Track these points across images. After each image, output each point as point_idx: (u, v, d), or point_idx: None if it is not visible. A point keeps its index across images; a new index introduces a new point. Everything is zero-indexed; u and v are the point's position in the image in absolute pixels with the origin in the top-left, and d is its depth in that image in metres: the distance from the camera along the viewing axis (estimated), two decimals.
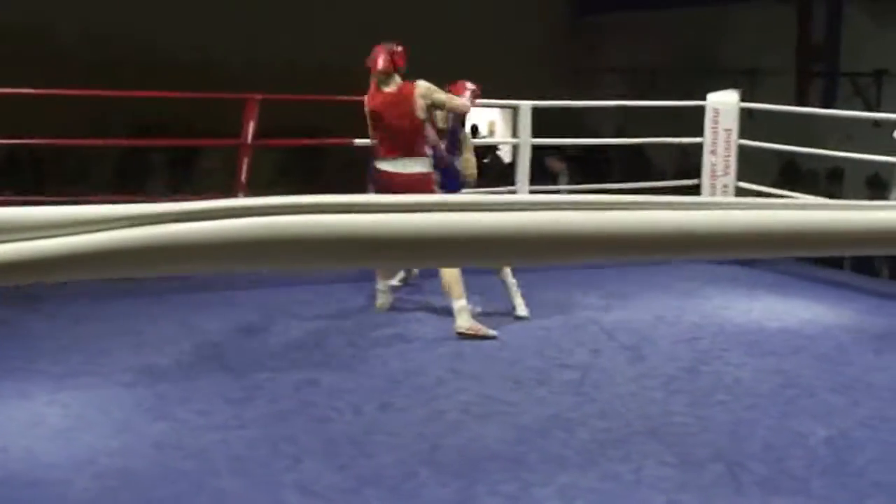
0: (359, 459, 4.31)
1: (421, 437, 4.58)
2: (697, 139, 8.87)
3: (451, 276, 6.04)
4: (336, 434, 4.59)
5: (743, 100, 8.92)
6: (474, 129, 17.77)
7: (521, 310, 6.54)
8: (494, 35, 15.53)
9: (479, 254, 1.02)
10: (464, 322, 6.01)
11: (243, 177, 7.57)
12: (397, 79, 6.25)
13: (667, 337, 6.33)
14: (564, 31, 17.77)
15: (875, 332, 6.61)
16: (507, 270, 6.50)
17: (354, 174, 9.36)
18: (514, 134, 8.81)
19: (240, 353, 5.68)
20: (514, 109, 8.74)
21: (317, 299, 6.78)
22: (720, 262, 8.14)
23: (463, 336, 5.97)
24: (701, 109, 8.80)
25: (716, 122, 8.67)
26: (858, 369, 5.82)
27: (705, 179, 8.75)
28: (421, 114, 6.19)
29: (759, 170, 9.70)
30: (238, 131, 7.72)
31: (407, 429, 4.67)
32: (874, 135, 11.62)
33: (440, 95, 6.22)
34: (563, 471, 4.27)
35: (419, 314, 6.48)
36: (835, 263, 9.68)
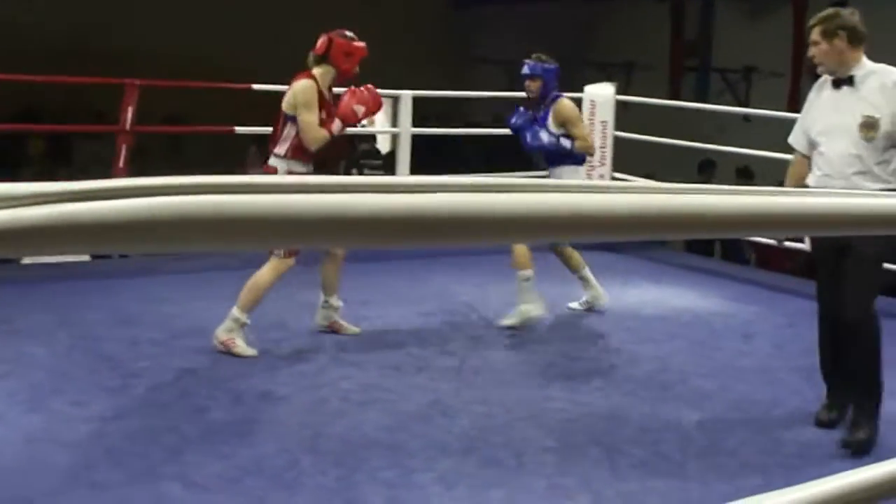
0: (239, 449, 4.28)
1: (302, 425, 4.57)
2: None
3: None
4: (216, 423, 4.55)
5: (618, 93, 9.06)
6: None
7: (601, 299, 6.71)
8: (375, 26, 15.50)
9: (376, 236, 1.03)
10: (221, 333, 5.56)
11: (121, 163, 7.44)
12: (311, 63, 5.66)
13: (544, 323, 6.41)
14: (446, 23, 17.85)
15: (744, 317, 6.79)
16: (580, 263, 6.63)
17: (224, 163, 9.34)
18: (395, 123, 8.83)
19: (116, 341, 5.58)
20: (395, 99, 8.76)
21: (196, 287, 6.71)
22: (595, 250, 8.26)
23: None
24: (578, 101, 8.92)
25: (592, 113, 8.78)
26: (728, 354, 5.98)
27: (582, 169, 8.86)
28: (286, 107, 5.62)
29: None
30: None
31: (288, 417, 4.66)
32: (744, 128, 11.92)
33: (301, 111, 5.53)
34: (444, 457, 4.30)
35: (299, 303, 6.45)
36: (705, 252, 9.91)
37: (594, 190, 1.16)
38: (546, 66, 6.46)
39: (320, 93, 5.61)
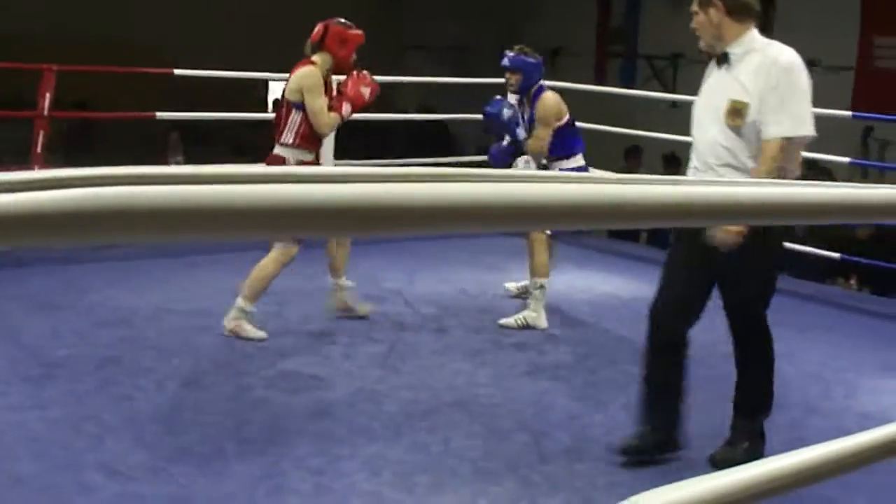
0: (164, 437, 4.23)
1: (227, 413, 4.53)
2: None
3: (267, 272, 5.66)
4: (140, 412, 4.49)
5: (545, 78, 9.06)
6: (276, 103, 17.60)
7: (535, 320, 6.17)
8: (300, 9, 15.38)
9: (308, 225, 1.01)
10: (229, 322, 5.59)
11: (39, 149, 7.32)
12: (309, 52, 5.66)
13: (471, 309, 6.42)
14: (373, 8, 17.76)
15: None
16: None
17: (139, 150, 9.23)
18: None
19: (36, 330, 5.49)
20: None
21: (117, 276, 6.61)
22: (520, 237, 8.27)
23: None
24: (501, 87, 8.90)
25: None
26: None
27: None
28: (290, 95, 5.60)
29: None
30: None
31: (212, 405, 4.61)
32: (671, 115, 12.00)
33: (310, 97, 5.54)
34: (371, 443, 4.29)
35: (221, 291, 6.38)
36: (632, 238, 9.97)
37: (528, 180, 1.15)
38: (526, 58, 6.34)
39: (324, 78, 5.63)
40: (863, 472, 1.83)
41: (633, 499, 1.40)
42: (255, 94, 14.57)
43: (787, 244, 8.48)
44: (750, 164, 4.03)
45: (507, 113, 6.29)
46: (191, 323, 5.75)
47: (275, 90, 17.45)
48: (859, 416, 4.95)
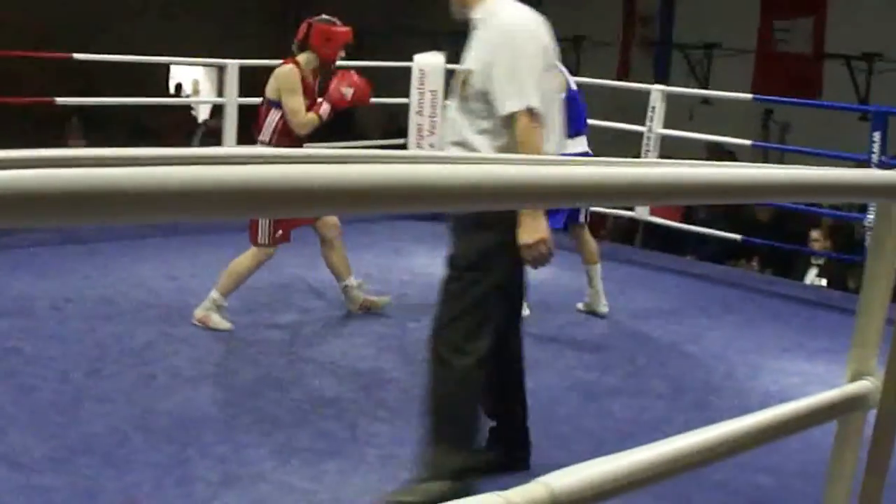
0: (68, 428, 4.16)
1: (132, 402, 4.47)
2: (404, 100, 8.96)
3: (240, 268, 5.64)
4: (43, 403, 4.41)
5: (448, 62, 9.07)
6: (178, 88, 17.40)
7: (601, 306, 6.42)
8: None
9: (223, 207, 1.01)
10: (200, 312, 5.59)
11: None
12: (295, 51, 5.64)
13: (375, 294, 6.40)
14: None
15: (574, 287, 6.86)
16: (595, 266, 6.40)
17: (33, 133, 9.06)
18: (220, 93, 8.65)
19: None
20: (221, 68, 8.59)
21: (14, 264, 6.48)
22: (425, 221, 8.28)
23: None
24: (407, 70, 8.90)
25: (422, 83, 8.78)
26: (560, 323, 6.07)
27: (412, 139, 8.87)
28: (269, 93, 5.58)
29: None
30: None
31: (117, 394, 4.55)
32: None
33: (285, 97, 5.49)
34: (277, 431, 4.27)
35: (125, 279, 6.30)
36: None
37: (431, 161, 1.15)
38: None
39: (304, 79, 5.55)
40: (764, 448, 1.87)
41: (543, 479, 1.41)
42: (154, 79, 14.40)
43: (691, 226, 8.64)
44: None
45: None
46: (94, 312, 5.66)
47: (176, 75, 17.29)
48: (762, 396, 5.04)
